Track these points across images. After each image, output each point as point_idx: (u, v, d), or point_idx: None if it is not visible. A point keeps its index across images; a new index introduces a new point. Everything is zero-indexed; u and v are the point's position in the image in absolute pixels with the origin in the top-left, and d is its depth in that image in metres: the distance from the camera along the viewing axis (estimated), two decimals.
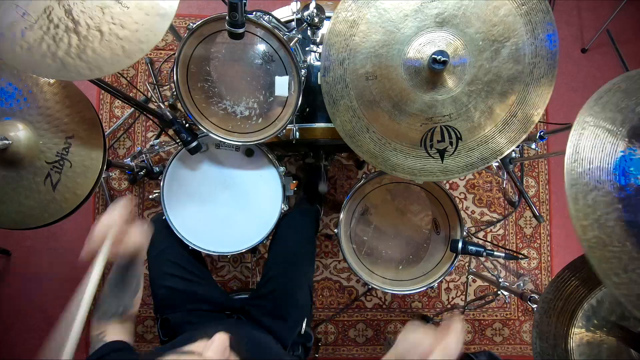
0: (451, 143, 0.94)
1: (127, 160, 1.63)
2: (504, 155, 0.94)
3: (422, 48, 0.89)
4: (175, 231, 1.19)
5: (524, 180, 1.89)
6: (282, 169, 1.23)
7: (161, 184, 1.21)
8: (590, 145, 0.76)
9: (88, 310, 0.68)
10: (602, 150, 0.76)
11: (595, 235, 0.72)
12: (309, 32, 1.12)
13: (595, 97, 0.78)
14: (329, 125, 1.17)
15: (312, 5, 1.07)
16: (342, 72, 0.94)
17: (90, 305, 0.68)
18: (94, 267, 0.73)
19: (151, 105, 1.28)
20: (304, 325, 1.14)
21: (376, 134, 0.97)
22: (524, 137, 0.92)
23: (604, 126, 0.76)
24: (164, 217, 1.20)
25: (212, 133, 1.12)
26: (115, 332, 0.80)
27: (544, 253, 1.88)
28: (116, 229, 0.77)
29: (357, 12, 0.92)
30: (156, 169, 1.72)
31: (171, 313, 1.09)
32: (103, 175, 1.13)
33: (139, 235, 0.82)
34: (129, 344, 0.79)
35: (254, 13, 1.00)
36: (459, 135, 0.93)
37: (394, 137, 0.96)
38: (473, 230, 1.86)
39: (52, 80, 1.02)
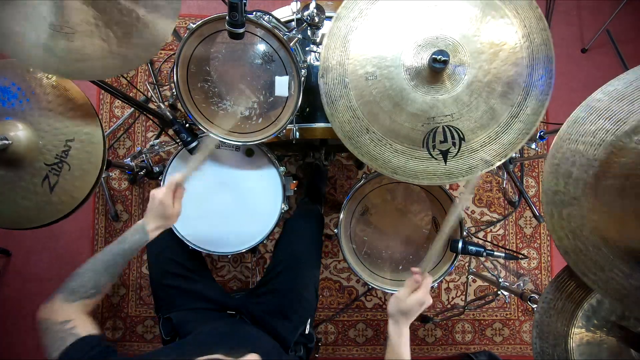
0: (454, 144, 0.94)
1: (127, 160, 1.63)
2: (507, 157, 0.93)
3: (422, 48, 0.89)
4: (175, 231, 1.19)
5: (524, 180, 1.89)
6: (282, 169, 1.23)
7: (161, 184, 1.21)
8: (570, 162, 0.80)
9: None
10: (579, 167, 0.79)
11: (570, 243, 0.80)
12: (309, 32, 1.12)
13: (575, 113, 0.81)
14: (329, 125, 1.17)
15: (312, 5, 1.07)
16: (342, 72, 0.94)
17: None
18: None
19: (151, 105, 1.28)
20: (308, 325, 1.14)
21: (376, 135, 0.97)
22: (526, 138, 0.92)
23: (584, 140, 0.79)
24: None
25: (212, 133, 1.12)
26: (83, 323, 0.73)
27: (544, 253, 1.88)
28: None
29: (358, 14, 0.92)
30: (156, 169, 1.72)
31: (173, 312, 1.09)
32: (103, 175, 1.13)
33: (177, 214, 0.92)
34: (103, 338, 0.74)
35: (254, 13, 1.00)
36: (461, 136, 0.93)
37: (395, 137, 0.96)
38: (473, 230, 1.86)
39: (55, 82, 1.02)
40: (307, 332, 1.14)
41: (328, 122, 1.16)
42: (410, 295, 0.81)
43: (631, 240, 0.76)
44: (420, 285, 0.83)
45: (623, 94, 0.77)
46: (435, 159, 0.95)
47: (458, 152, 0.94)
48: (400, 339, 0.80)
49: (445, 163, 0.95)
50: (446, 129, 0.93)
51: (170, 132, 1.17)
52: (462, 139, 0.93)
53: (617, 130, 0.76)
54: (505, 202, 1.88)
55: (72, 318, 0.73)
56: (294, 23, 1.12)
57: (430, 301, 0.82)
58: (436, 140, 0.94)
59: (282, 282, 1.14)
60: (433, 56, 0.85)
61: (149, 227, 0.89)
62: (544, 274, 1.88)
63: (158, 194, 0.90)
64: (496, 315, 1.86)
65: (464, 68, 0.89)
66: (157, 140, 1.65)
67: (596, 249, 0.79)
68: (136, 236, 0.88)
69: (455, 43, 0.89)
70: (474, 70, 0.89)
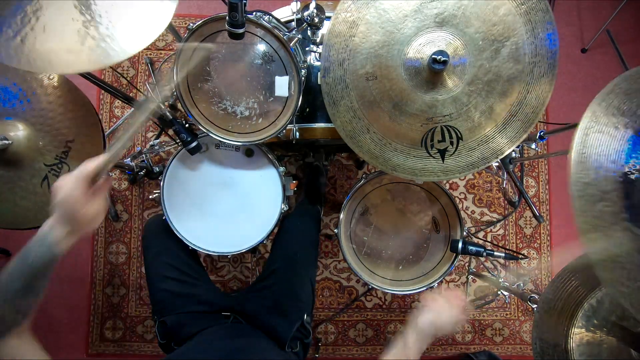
0: (452, 143, 0.94)
1: (127, 160, 1.63)
2: (504, 155, 0.94)
3: (422, 48, 0.89)
4: (175, 231, 1.19)
5: (524, 180, 1.89)
6: (282, 169, 1.23)
7: (161, 184, 1.21)
8: (595, 153, 0.73)
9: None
10: (608, 157, 0.73)
11: (603, 248, 0.71)
12: (309, 32, 1.12)
13: (597, 99, 0.75)
14: (329, 125, 1.17)
15: (312, 5, 1.07)
16: (342, 72, 0.94)
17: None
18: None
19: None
20: (304, 320, 1.14)
21: (377, 135, 0.97)
22: (524, 136, 0.92)
23: (608, 131, 0.74)
24: (163, 218, 1.19)
25: (212, 133, 1.12)
26: (26, 352, 0.62)
27: (544, 253, 1.88)
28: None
29: (357, 12, 0.92)
30: (156, 169, 1.72)
31: (168, 316, 1.09)
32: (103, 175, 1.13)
33: (95, 213, 0.65)
34: None
35: (254, 13, 1.00)
36: (459, 135, 0.93)
37: (395, 137, 0.96)
38: (473, 230, 1.86)
39: (56, 83, 1.02)
40: (303, 324, 1.14)
41: (328, 122, 1.17)
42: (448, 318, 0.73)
43: None
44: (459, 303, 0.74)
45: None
46: (433, 157, 0.96)
47: (455, 150, 0.94)
48: (414, 352, 0.73)
49: (443, 161, 0.96)
50: (444, 129, 0.93)
51: (170, 132, 1.17)
52: (460, 138, 0.94)
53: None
54: (505, 202, 1.88)
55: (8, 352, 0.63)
56: (294, 23, 1.12)
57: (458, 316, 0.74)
58: (434, 139, 0.94)
59: (278, 279, 1.15)
60: (433, 56, 0.85)
61: (55, 235, 0.63)
62: (544, 274, 1.88)
63: (61, 185, 0.63)
64: (496, 315, 1.86)
65: (464, 67, 0.89)
66: (157, 140, 1.65)
67: (629, 255, 0.70)
68: (41, 249, 0.63)
69: (456, 40, 0.89)
70: (474, 69, 0.89)
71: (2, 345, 0.62)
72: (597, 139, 0.73)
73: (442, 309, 0.74)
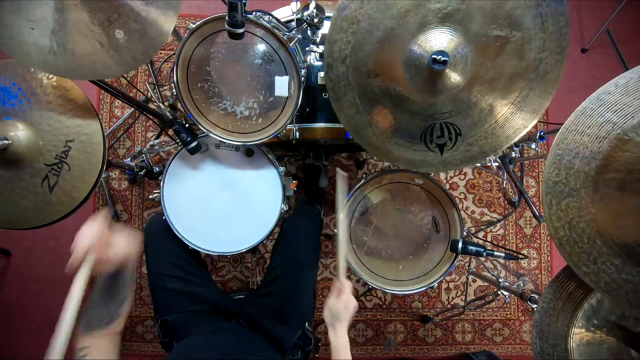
0: (450, 139, 0.95)
1: (127, 160, 1.63)
2: (502, 149, 0.94)
3: (423, 45, 0.89)
4: (175, 231, 1.19)
5: (524, 180, 1.89)
6: (282, 169, 1.23)
7: (161, 184, 1.21)
8: (573, 153, 0.81)
9: (72, 325, 0.65)
10: (582, 159, 0.80)
11: (565, 234, 0.83)
12: (309, 32, 1.12)
13: (584, 105, 0.81)
14: (329, 125, 1.17)
15: (312, 5, 1.07)
16: (344, 69, 0.94)
17: (73, 319, 0.65)
18: (75, 281, 0.69)
19: (151, 105, 1.28)
20: (305, 327, 1.14)
21: (378, 130, 0.97)
22: (524, 132, 0.92)
23: (589, 133, 0.80)
24: (163, 217, 1.19)
25: (212, 133, 1.12)
26: (98, 350, 0.75)
27: (544, 253, 1.88)
28: (96, 242, 0.74)
29: (359, 9, 0.91)
30: (156, 169, 1.72)
31: (170, 315, 1.10)
32: (103, 175, 1.13)
33: (124, 245, 0.78)
34: None
35: (254, 13, 1.00)
36: (458, 132, 0.94)
37: (395, 132, 0.97)
38: (473, 230, 1.86)
39: (56, 83, 1.02)
40: (305, 333, 1.14)
41: (328, 122, 1.17)
42: (337, 300, 0.90)
43: (626, 235, 0.77)
44: (342, 289, 0.91)
45: (635, 88, 0.76)
46: (432, 151, 0.97)
47: (454, 145, 0.96)
48: (338, 341, 0.87)
49: (442, 155, 0.97)
50: (444, 126, 0.93)
51: (170, 132, 1.17)
52: (458, 135, 0.94)
53: (624, 123, 0.76)
54: (505, 202, 1.88)
55: (88, 345, 0.74)
56: (294, 23, 1.12)
57: (354, 302, 0.91)
58: (434, 135, 0.95)
59: (281, 285, 1.14)
60: (433, 56, 0.85)
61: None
62: (544, 274, 1.88)
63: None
64: (496, 315, 1.86)
65: (465, 65, 0.89)
66: (157, 140, 1.65)
67: (591, 242, 0.80)
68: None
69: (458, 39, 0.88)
70: (476, 66, 0.89)
71: (91, 339, 0.75)
72: (575, 140, 0.81)
73: (331, 301, 0.92)
